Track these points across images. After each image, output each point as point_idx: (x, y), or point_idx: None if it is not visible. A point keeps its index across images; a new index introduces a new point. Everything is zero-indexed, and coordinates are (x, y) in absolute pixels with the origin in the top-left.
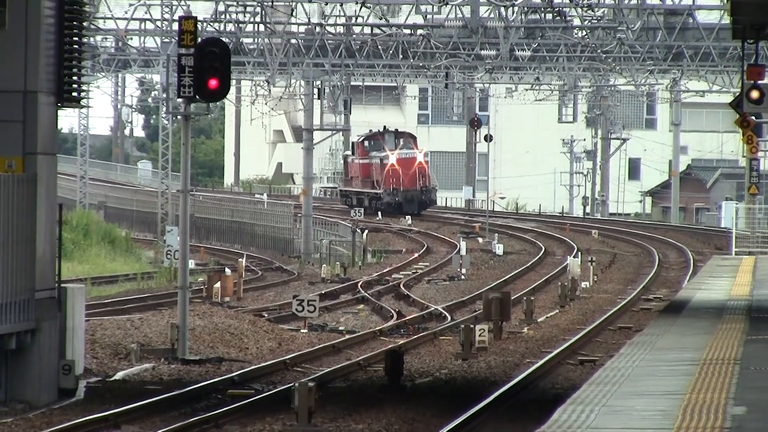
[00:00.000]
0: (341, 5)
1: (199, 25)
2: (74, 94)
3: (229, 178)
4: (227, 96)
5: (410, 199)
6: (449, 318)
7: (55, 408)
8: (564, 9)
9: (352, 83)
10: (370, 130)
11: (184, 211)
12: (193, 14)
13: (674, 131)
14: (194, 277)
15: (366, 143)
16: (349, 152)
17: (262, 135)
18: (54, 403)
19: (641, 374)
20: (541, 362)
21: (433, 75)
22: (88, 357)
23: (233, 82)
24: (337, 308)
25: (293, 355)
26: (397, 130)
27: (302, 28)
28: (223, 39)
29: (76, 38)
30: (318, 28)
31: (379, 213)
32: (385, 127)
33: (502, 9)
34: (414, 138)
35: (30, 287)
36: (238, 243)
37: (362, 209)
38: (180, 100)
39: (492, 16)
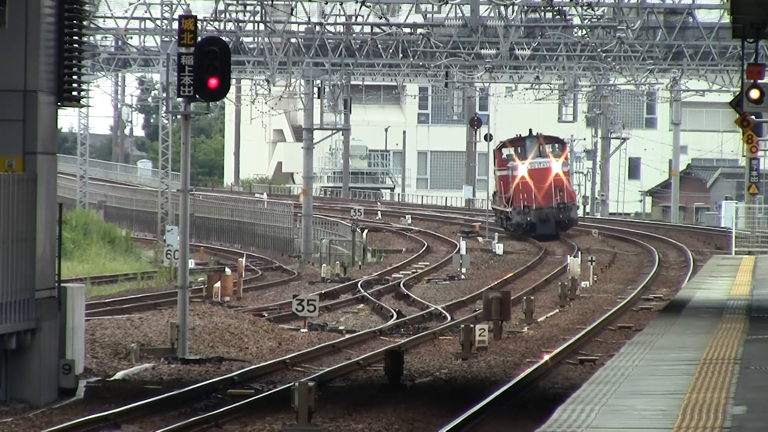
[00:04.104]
0: (341, 4)
1: (198, 24)
2: (74, 93)
3: (229, 178)
4: (227, 95)
5: (544, 218)
6: (449, 318)
7: (55, 407)
8: (564, 8)
9: (352, 82)
10: (518, 135)
11: (184, 211)
12: (193, 13)
13: (674, 131)
14: (194, 277)
15: (504, 151)
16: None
17: (262, 134)
18: (54, 402)
19: (641, 374)
20: (541, 362)
21: (433, 74)
22: (88, 357)
23: (233, 82)
24: (337, 308)
25: (293, 354)
26: (540, 133)
27: (302, 28)
28: (223, 38)
29: (76, 37)
30: (318, 28)
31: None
32: (530, 130)
33: (502, 8)
34: (561, 143)
35: (30, 287)
36: (238, 243)
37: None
38: (180, 99)
39: (492, 15)
